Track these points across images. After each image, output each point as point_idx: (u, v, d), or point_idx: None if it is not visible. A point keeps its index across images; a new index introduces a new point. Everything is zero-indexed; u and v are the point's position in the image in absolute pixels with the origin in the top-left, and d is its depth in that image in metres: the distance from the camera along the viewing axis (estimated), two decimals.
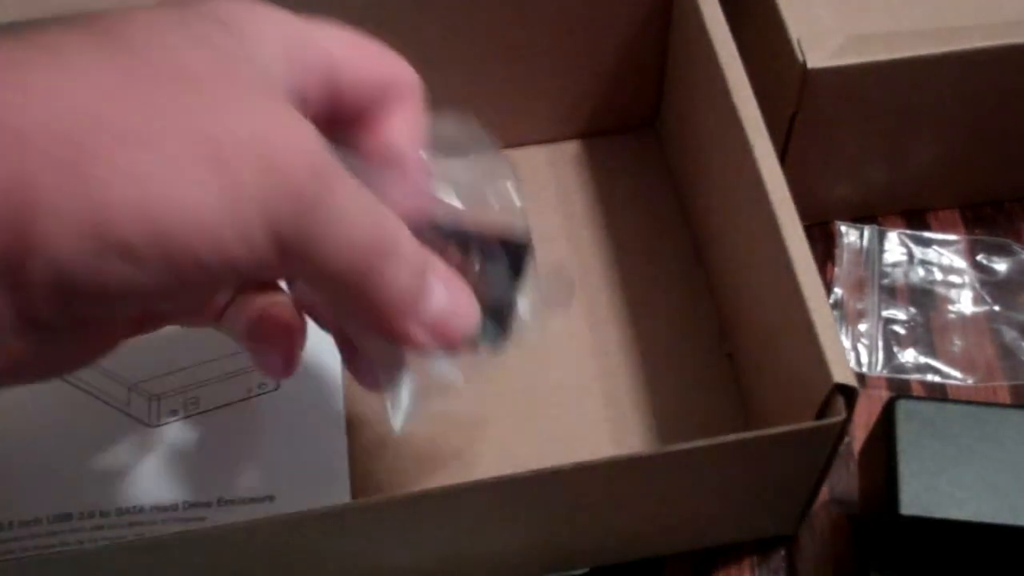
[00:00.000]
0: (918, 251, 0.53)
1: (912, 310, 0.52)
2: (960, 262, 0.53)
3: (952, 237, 0.54)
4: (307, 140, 0.27)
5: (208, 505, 0.45)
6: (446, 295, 0.32)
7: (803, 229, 0.40)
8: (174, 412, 0.48)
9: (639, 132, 0.57)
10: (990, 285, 0.52)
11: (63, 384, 0.48)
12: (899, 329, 0.51)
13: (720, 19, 0.46)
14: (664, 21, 0.52)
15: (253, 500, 0.45)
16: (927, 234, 0.54)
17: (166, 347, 0.49)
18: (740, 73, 0.44)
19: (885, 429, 0.40)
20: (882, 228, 0.54)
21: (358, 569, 0.41)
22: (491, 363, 0.35)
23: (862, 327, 0.51)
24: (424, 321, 0.31)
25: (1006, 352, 0.50)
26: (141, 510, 0.45)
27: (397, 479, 0.47)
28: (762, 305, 0.44)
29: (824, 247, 0.53)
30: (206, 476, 0.46)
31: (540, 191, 0.55)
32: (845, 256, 0.53)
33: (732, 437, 0.37)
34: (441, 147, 0.35)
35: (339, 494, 0.46)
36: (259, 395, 0.48)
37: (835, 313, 0.51)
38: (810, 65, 0.46)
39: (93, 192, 0.23)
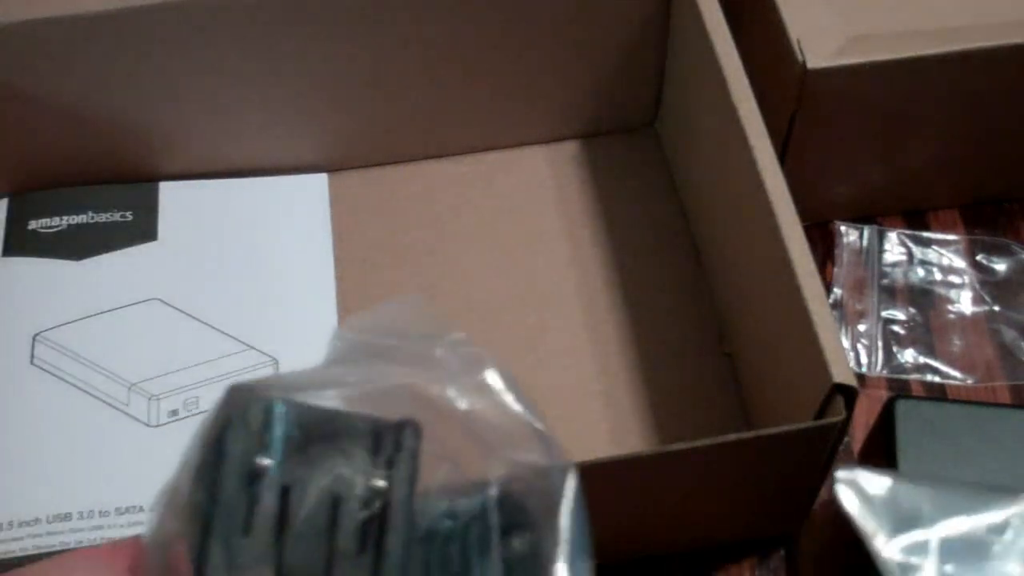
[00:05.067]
0: (918, 251, 0.53)
1: (912, 310, 0.52)
2: (960, 262, 0.53)
3: (952, 237, 0.54)
4: None
5: None
6: None
7: (803, 229, 0.40)
8: (174, 412, 0.47)
9: (639, 132, 0.57)
10: (990, 285, 0.52)
11: (63, 384, 0.48)
12: (899, 329, 0.51)
13: (720, 19, 0.46)
14: (664, 21, 0.52)
15: None
16: (927, 234, 0.54)
17: (166, 347, 0.49)
18: (740, 73, 0.44)
19: (885, 429, 0.40)
20: (882, 228, 0.54)
21: None
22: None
23: (862, 327, 0.51)
24: None
25: (1006, 352, 0.50)
26: (141, 510, 0.45)
27: None
28: (762, 305, 0.44)
29: (824, 247, 0.53)
30: None
31: (540, 191, 0.55)
32: (845, 256, 0.53)
33: (732, 437, 0.37)
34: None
35: None
36: None
37: (835, 313, 0.51)
38: (810, 65, 0.46)
39: None
